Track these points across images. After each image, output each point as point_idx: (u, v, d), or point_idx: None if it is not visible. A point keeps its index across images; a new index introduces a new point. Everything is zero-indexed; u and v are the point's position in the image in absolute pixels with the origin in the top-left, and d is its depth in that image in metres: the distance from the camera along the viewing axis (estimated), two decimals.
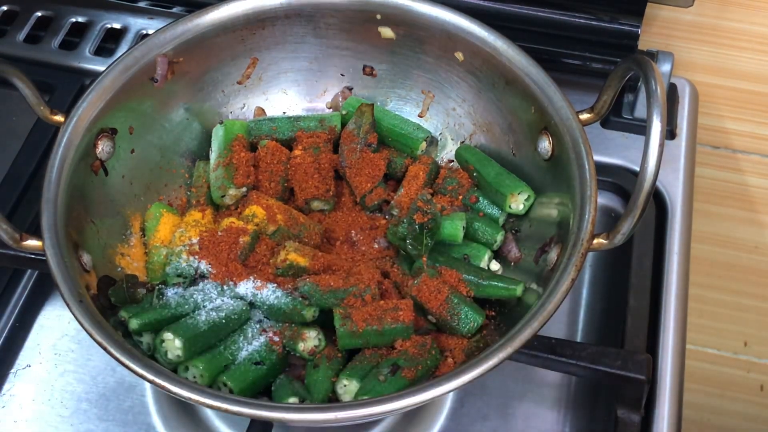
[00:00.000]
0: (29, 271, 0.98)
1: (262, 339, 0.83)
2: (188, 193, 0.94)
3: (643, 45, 1.08)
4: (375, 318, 0.82)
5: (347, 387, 0.80)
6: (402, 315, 0.82)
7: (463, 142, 0.96)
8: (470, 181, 0.93)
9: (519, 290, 0.84)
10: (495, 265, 0.90)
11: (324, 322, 0.84)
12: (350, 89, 0.98)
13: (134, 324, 0.79)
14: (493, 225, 0.91)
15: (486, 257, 0.89)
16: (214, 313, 0.82)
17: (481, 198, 0.92)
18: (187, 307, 0.82)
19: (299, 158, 0.93)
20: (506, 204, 0.89)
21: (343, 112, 0.97)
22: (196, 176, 0.94)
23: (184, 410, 0.90)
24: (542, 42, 1.04)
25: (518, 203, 0.90)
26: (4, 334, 0.94)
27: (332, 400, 0.81)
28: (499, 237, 0.90)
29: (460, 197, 0.92)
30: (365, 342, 0.82)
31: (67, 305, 0.73)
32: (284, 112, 0.99)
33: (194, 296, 0.83)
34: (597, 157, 0.82)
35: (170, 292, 0.84)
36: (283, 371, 0.83)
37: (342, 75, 0.99)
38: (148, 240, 0.89)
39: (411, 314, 0.83)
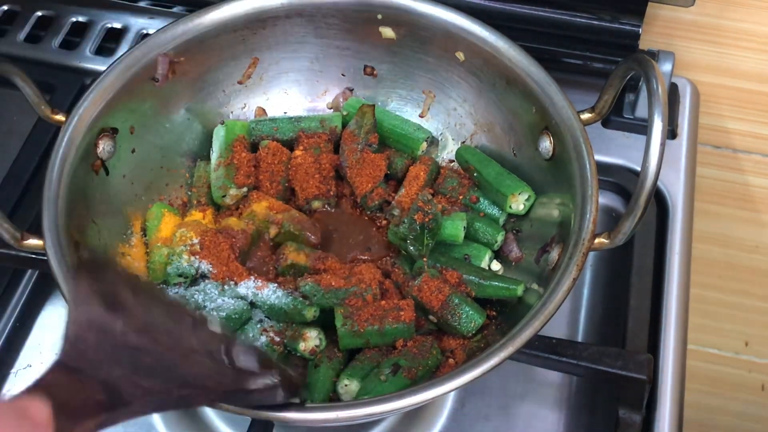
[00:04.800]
0: (29, 271, 0.97)
1: (263, 339, 0.83)
2: (189, 193, 0.94)
3: (644, 44, 1.08)
4: (376, 318, 0.82)
5: (348, 387, 0.80)
6: (403, 315, 0.82)
7: (464, 142, 0.96)
8: (470, 181, 0.93)
9: (519, 290, 0.83)
10: (496, 265, 0.90)
11: (325, 321, 0.84)
12: (351, 90, 0.98)
13: None
14: (494, 225, 0.90)
15: (486, 257, 0.89)
16: (216, 313, 0.82)
17: (481, 198, 0.92)
18: (188, 307, 0.82)
19: (300, 158, 0.93)
20: (507, 204, 0.89)
21: (344, 113, 0.97)
22: (197, 176, 0.94)
23: (185, 410, 0.90)
24: (543, 42, 1.04)
25: (519, 203, 0.89)
26: (4, 334, 0.94)
27: (333, 399, 0.81)
28: (500, 237, 0.90)
29: (461, 197, 0.92)
30: (366, 342, 0.82)
31: (67, 303, 0.73)
32: (285, 112, 0.99)
33: (195, 296, 0.83)
34: (598, 157, 0.82)
35: (171, 292, 0.83)
36: None
37: (343, 75, 0.99)
38: (149, 240, 0.89)
39: (412, 314, 0.83)
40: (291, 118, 0.96)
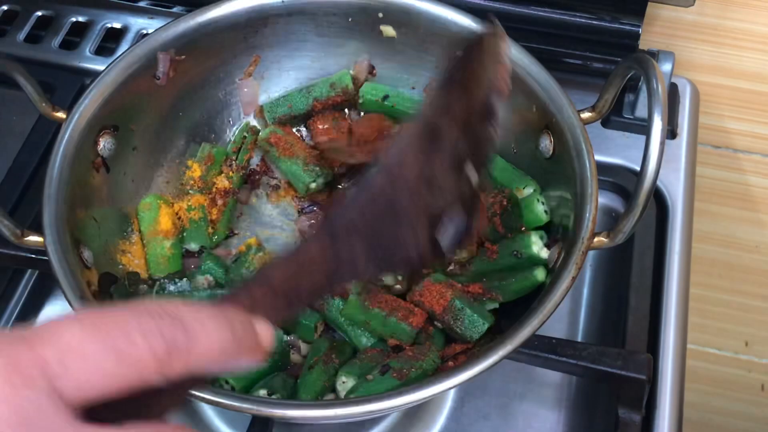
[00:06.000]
0: (29, 271, 0.97)
1: None
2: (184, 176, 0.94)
3: (644, 44, 1.08)
4: (388, 305, 0.82)
5: (345, 384, 0.80)
6: (413, 319, 0.82)
7: None
8: None
9: (540, 275, 0.82)
10: (545, 252, 0.84)
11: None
12: (373, 67, 0.97)
13: None
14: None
15: (535, 238, 0.85)
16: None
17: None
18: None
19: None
20: None
21: (360, 100, 0.97)
22: (200, 156, 0.94)
23: (185, 410, 0.90)
24: (543, 41, 1.04)
25: (523, 197, 0.89)
26: None
27: None
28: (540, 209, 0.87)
29: None
30: (366, 322, 0.83)
31: (68, 301, 0.73)
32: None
33: (196, 293, 0.83)
34: (597, 157, 0.82)
35: (172, 287, 0.83)
36: (284, 370, 0.83)
37: None
38: (144, 232, 0.88)
39: (421, 322, 0.83)
40: (301, 90, 0.97)
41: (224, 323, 0.46)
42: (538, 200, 0.86)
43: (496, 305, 0.85)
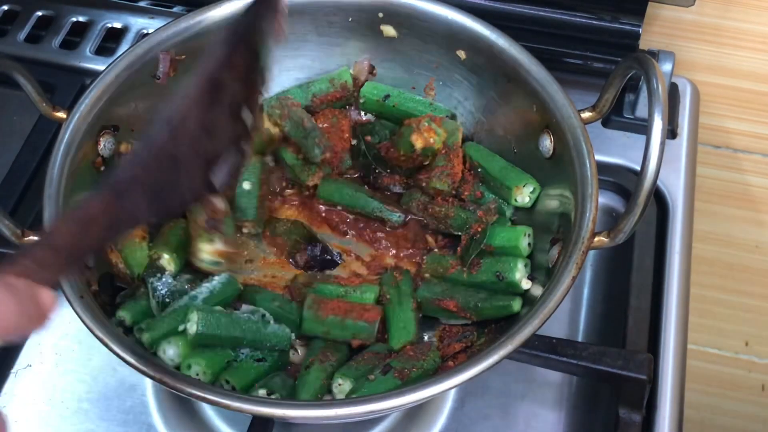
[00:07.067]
0: None
1: None
2: None
3: (644, 44, 1.09)
4: (341, 310, 0.83)
5: (342, 386, 0.80)
6: (367, 315, 0.83)
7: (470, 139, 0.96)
8: (475, 177, 0.92)
9: (516, 305, 0.81)
10: (526, 284, 0.84)
11: None
12: (373, 67, 0.97)
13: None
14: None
15: (520, 265, 0.84)
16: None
17: (486, 193, 0.91)
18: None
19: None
20: (512, 197, 0.89)
21: (361, 100, 0.97)
22: None
23: (185, 410, 0.90)
24: (544, 41, 1.04)
25: (524, 196, 0.89)
26: None
27: None
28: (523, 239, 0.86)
29: (466, 194, 0.92)
30: (327, 331, 0.83)
31: (68, 301, 0.73)
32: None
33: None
34: (598, 157, 0.82)
35: (160, 285, 0.83)
36: (284, 369, 0.83)
37: None
38: None
39: (377, 317, 0.83)
40: (301, 86, 0.97)
41: (14, 297, 0.50)
42: (525, 234, 0.86)
43: (468, 323, 0.85)
